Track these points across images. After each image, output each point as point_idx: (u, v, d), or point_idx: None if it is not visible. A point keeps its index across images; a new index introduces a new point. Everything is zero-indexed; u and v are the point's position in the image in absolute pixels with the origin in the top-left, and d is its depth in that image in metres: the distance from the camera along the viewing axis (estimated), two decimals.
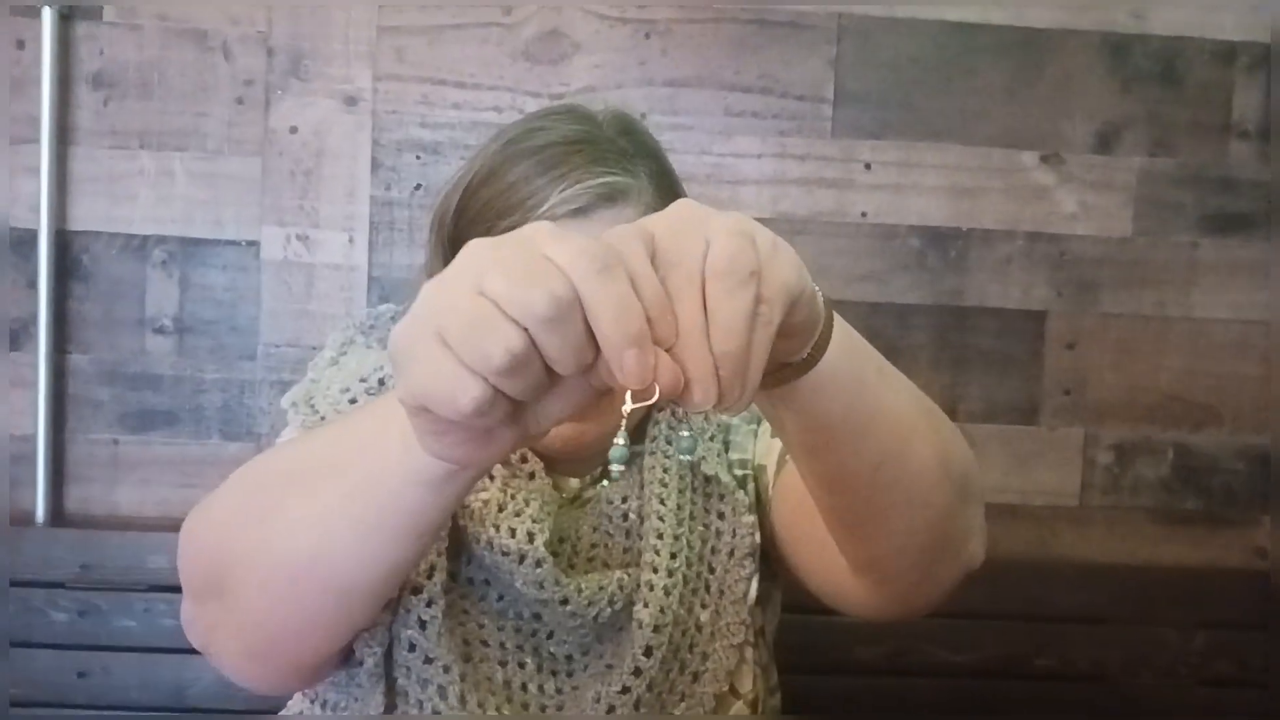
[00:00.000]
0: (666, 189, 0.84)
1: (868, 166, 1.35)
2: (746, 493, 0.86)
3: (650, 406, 0.85)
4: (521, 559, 0.77)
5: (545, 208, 0.78)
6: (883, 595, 0.76)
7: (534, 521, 0.78)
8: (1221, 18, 1.37)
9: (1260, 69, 1.37)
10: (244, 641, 0.69)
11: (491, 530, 0.78)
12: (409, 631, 0.76)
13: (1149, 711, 1.32)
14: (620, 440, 0.52)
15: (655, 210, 0.81)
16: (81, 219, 1.31)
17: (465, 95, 1.32)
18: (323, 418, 0.81)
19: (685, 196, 0.88)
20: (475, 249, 0.49)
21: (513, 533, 0.78)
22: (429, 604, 0.76)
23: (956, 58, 1.35)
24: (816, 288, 0.57)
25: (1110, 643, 1.33)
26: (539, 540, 0.78)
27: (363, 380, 0.82)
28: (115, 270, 1.32)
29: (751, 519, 0.85)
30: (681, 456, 0.56)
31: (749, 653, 0.85)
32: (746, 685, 0.85)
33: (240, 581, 0.66)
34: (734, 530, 0.85)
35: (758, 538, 0.86)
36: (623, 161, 0.81)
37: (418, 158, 1.32)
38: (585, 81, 1.32)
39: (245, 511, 0.67)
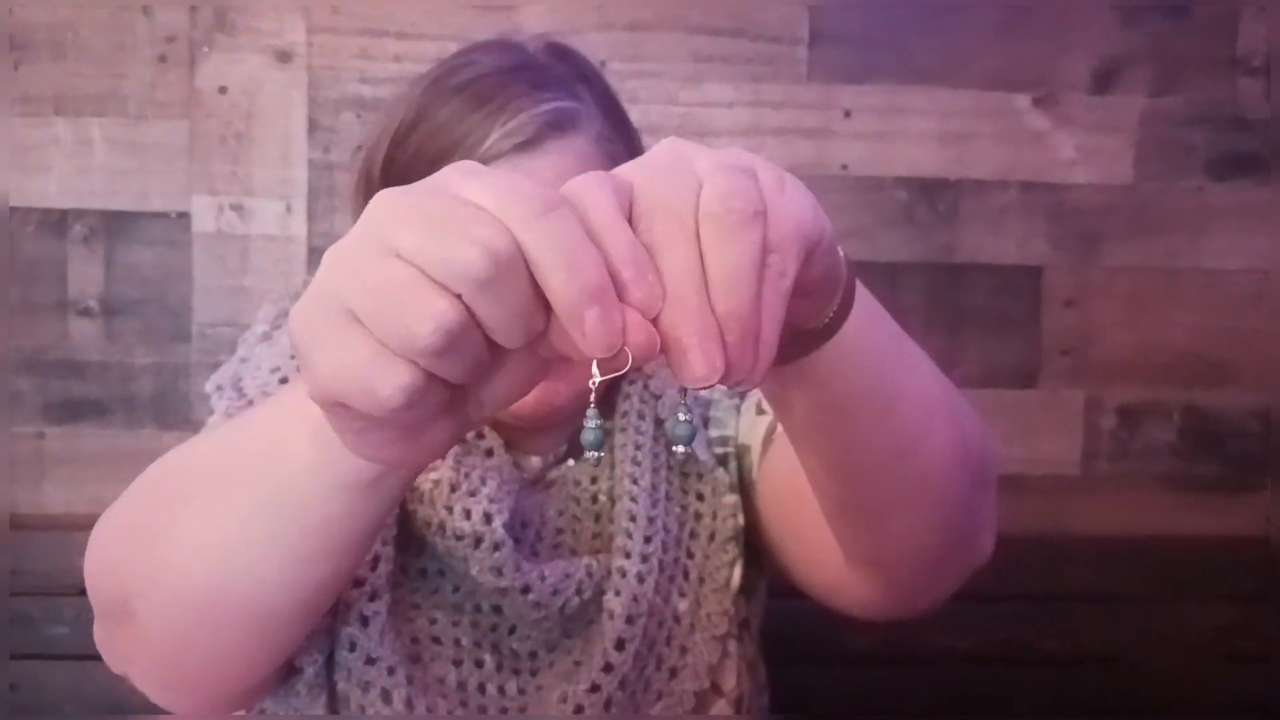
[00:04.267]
0: (615, 116, 0.76)
1: (847, 114, 1.26)
2: (728, 471, 0.79)
3: (619, 376, 0.76)
4: (477, 542, 0.70)
5: (488, 144, 0.69)
6: (884, 593, 0.68)
7: (491, 501, 0.71)
8: None
9: None
10: (159, 673, 0.62)
11: (444, 513, 0.71)
12: (349, 629, 0.69)
13: (1168, 694, 1.25)
14: (592, 422, 0.42)
15: (607, 138, 0.72)
16: None
17: (408, 47, 1.23)
18: (251, 402, 0.73)
19: (633, 126, 0.79)
20: (383, 201, 0.39)
21: (467, 514, 0.70)
22: (372, 598, 0.70)
23: None
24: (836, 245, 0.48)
25: (1122, 622, 1.26)
26: (497, 522, 0.70)
27: (294, 357, 0.74)
28: (33, 248, 1.22)
29: (734, 499, 0.78)
30: (676, 448, 0.47)
31: (733, 646, 0.78)
32: (730, 682, 0.78)
33: (145, 608, 0.58)
34: (714, 512, 0.78)
35: (741, 520, 0.78)
36: (565, 85, 0.72)
37: (358, 116, 1.22)
38: (538, 28, 1.22)
39: (142, 527, 0.58)
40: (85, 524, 1.23)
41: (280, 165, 1.23)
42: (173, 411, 1.24)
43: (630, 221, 0.39)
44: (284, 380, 0.73)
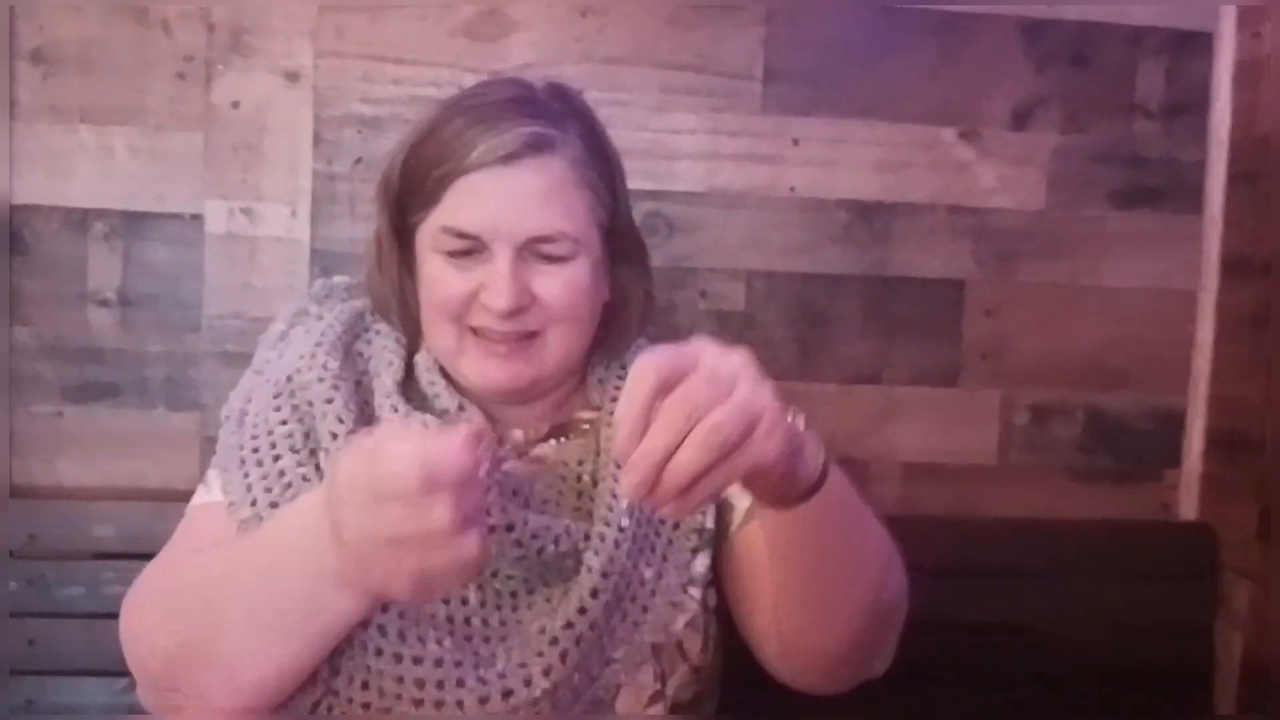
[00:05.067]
0: (595, 148, 0.90)
1: (796, 142, 1.40)
2: None
3: (612, 374, 0.97)
4: None
5: (475, 154, 0.84)
6: (789, 668, 0.88)
7: None
8: (1128, 5, 1.43)
9: (1164, 53, 1.45)
10: (211, 713, 0.79)
11: None
12: None
13: (1067, 659, 1.38)
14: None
15: (583, 163, 0.88)
16: (22, 193, 1.31)
17: (405, 71, 1.35)
18: (254, 438, 0.87)
19: (612, 157, 0.91)
20: (351, 474, 0.67)
21: None
22: None
23: (880, 38, 1.40)
24: (821, 451, 0.72)
25: (1030, 594, 1.38)
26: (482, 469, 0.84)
27: (289, 379, 0.89)
28: (57, 244, 1.32)
29: None
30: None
31: (701, 621, 0.90)
32: (695, 650, 0.90)
33: (195, 690, 0.78)
34: None
35: (708, 522, 0.91)
36: (554, 117, 0.87)
37: (359, 132, 1.35)
38: (523, 58, 1.36)
39: (188, 642, 0.78)
40: (98, 495, 1.36)
41: (287, 174, 1.34)
42: (182, 395, 1.35)
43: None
44: (277, 410, 0.88)
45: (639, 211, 1.36)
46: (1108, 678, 1.38)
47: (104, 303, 1.33)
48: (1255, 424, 1.35)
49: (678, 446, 0.62)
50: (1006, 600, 1.38)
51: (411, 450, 0.63)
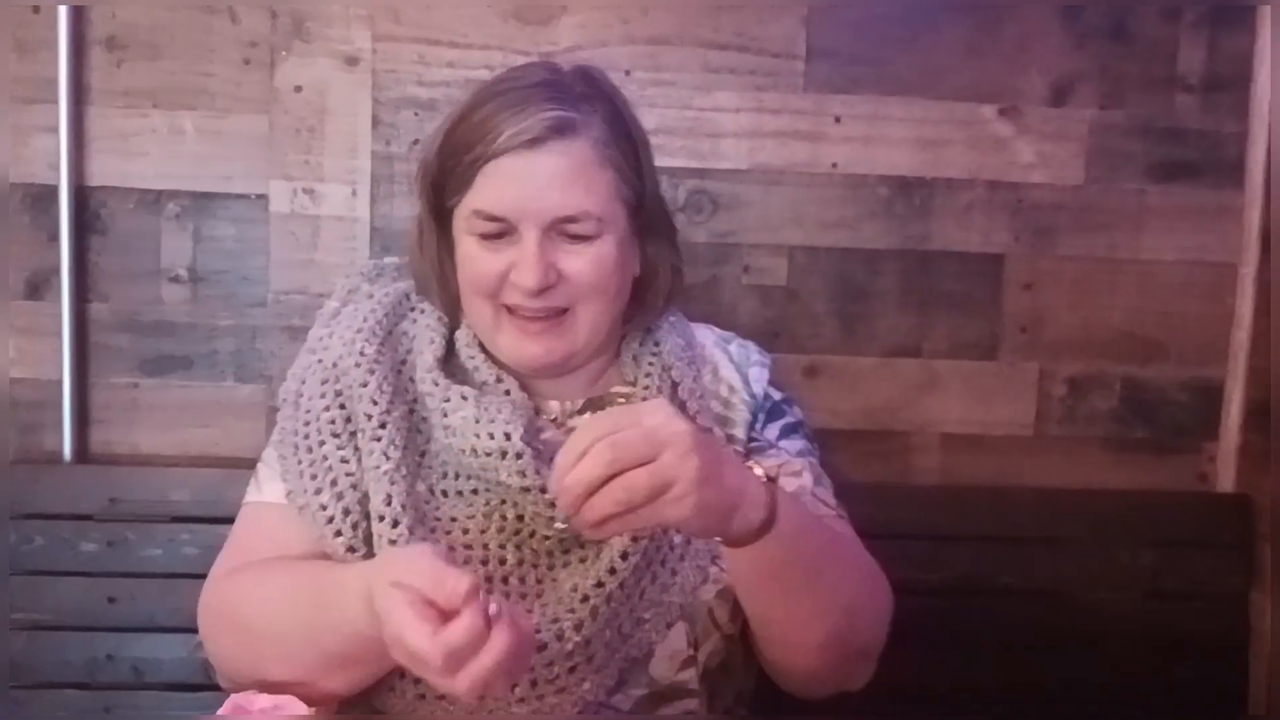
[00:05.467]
0: (619, 128, 0.94)
1: (837, 120, 1.43)
2: None
3: (646, 350, 1.00)
4: (504, 455, 0.89)
5: (502, 139, 0.89)
6: (770, 670, 0.94)
7: (506, 424, 0.90)
8: None
9: (1204, 26, 1.45)
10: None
11: (473, 439, 0.91)
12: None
13: (1102, 625, 1.41)
14: None
15: (606, 143, 0.92)
16: (98, 175, 1.38)
17: (458, 54, 1.39)
18: (306, 424, 0.94)
19: (637, 137, 0.96)
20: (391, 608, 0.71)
21: (491, 436, 0.90)
22: (394, 525, 0.89)
23: (920, 15, 1.43)
24: (763, 506, 0.77)
25: (1066, 561, 1.41)
26: (515, 436, 0.90)
27: (334, 365, 0.95)
28: (131, 224, 1.39)
29: None
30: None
31: (730, 593, 0.94)
32: (725, 619, 0.95)
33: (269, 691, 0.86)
34: None
35: None
36: (577, 102, 0.91)
37: (415, 114, 1.40)
38: (572, 40, 1.40)
39: (264, 674, 0.86)
40: (173, 462, 1.41)
41: (347, 155, 1.40)
42: (249, 367, 1.42)
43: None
44: (323, 396, 0.94)
45: (684, 189, 1.41)
46: (1143, 646, 1.40)
47: (176, 279, 1.40)
48: None
49: (599, 486, 0.70)
50: (1040, 567, 1.41)
51: (430, 645, 0.68)
